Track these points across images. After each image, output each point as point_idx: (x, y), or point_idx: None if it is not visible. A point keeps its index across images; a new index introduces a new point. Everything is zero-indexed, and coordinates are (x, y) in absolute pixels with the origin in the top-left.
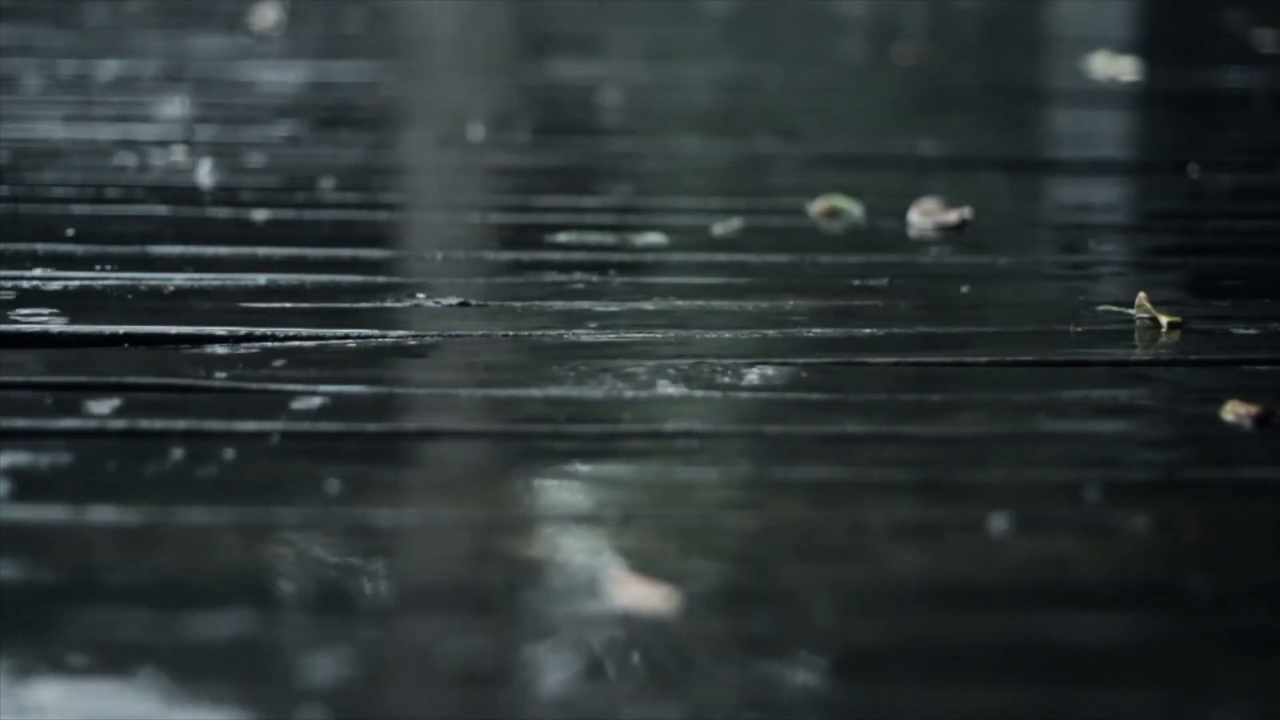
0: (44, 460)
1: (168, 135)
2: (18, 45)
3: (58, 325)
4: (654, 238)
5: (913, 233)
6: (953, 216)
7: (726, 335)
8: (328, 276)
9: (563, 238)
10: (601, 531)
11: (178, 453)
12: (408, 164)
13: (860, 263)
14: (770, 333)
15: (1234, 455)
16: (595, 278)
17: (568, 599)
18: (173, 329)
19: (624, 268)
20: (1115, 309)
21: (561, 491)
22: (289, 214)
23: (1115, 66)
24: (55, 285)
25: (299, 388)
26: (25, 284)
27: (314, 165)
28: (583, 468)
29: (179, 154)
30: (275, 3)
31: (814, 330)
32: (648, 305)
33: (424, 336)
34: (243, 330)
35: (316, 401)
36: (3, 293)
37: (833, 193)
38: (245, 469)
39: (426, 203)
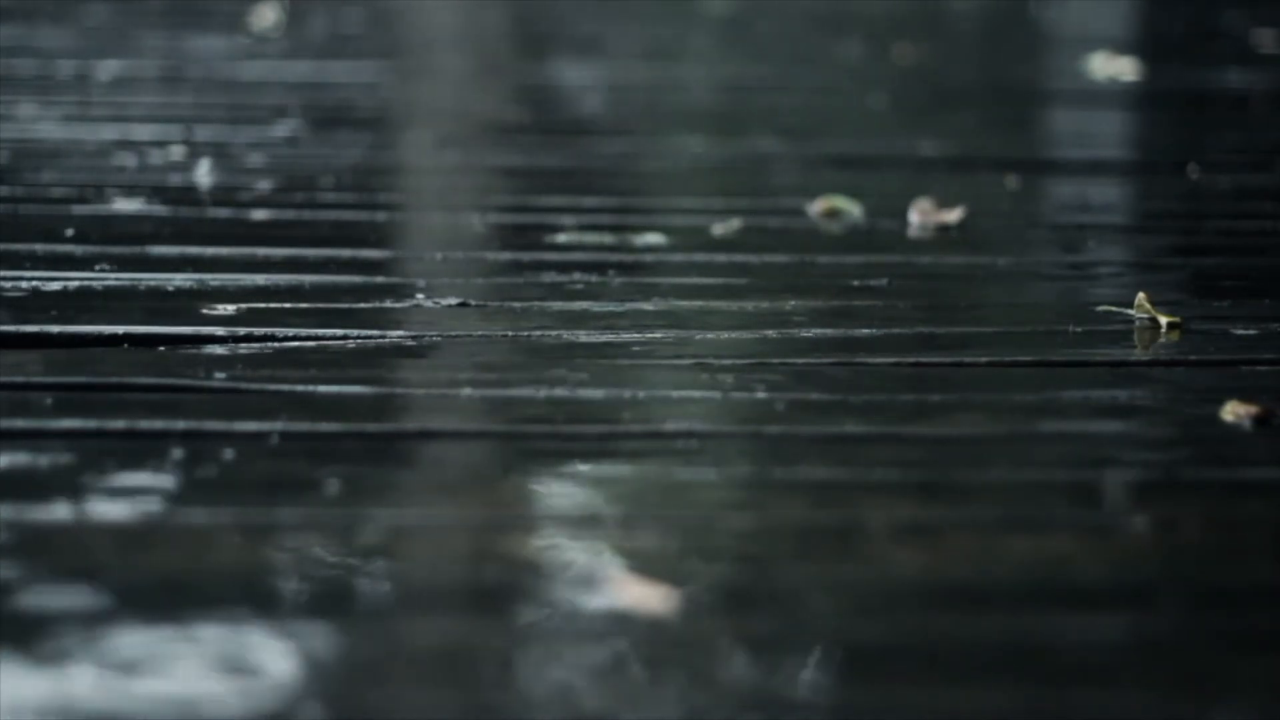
0: (44, 460)
1: (167, 135)
2: (18, 45)
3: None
4: (654, 238)
5: (912, 233)
6: (951, 216)
7: (726, 335)
8: (327, 276)
9: (562, 238)
10: (601, 531)
11: (178, 453)
12: (408, 164)
13: (860, 263)
14: (770, 333)
15: (1234, 455)
16: (595, 278)
17: (568, 599)
18: (173, 329)
19: (624, 268)
20: (1115, 309)
21: (561, 491)
22: (289, 214)
23: (1115, 66)
24: (55, 285)
25: (299, 388)
26: (25, 284)
27: (314, 165)
28: (583, 468)
29: (178, 153)
30: (275, 3)
31: (814, 330)
32: (648, 305)
33: (424, 336)
34: (243, 330)
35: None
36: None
37: (833, 193)
38: (245, 469)
39: (426, 203)
